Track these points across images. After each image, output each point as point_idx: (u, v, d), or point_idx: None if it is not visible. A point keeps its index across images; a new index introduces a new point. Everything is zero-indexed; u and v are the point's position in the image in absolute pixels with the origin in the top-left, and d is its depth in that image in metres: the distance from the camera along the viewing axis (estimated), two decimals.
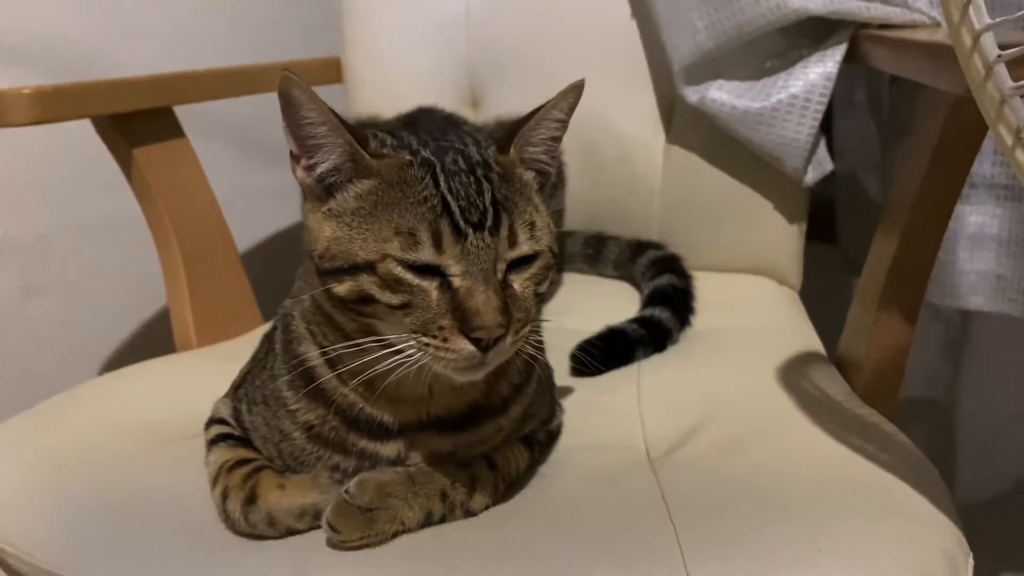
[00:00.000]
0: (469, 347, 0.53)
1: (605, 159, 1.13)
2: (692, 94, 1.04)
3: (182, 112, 1.02)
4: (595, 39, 1.13)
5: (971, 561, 0.58)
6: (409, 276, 0.55)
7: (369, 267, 0.55)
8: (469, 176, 0.56)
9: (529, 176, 0.61)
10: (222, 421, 0.69)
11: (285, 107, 0.57)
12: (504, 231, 0.56)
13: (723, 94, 1.02)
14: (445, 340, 0.54)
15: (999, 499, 1.34)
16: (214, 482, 0.64)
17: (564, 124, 0.61)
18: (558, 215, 1.05)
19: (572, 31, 1.14)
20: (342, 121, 0.56)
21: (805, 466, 0.65)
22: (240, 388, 0.71)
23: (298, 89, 0.55)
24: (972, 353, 1.32)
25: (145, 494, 0.68)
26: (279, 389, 0.64)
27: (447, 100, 1.16)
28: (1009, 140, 0.47)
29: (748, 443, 0.69)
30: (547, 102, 0.60)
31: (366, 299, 0.55)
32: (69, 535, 0.65)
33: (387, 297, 0.55)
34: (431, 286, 0.55)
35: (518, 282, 0.57)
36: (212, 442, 0.67)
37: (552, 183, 0.99)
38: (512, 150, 0.60)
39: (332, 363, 0.61)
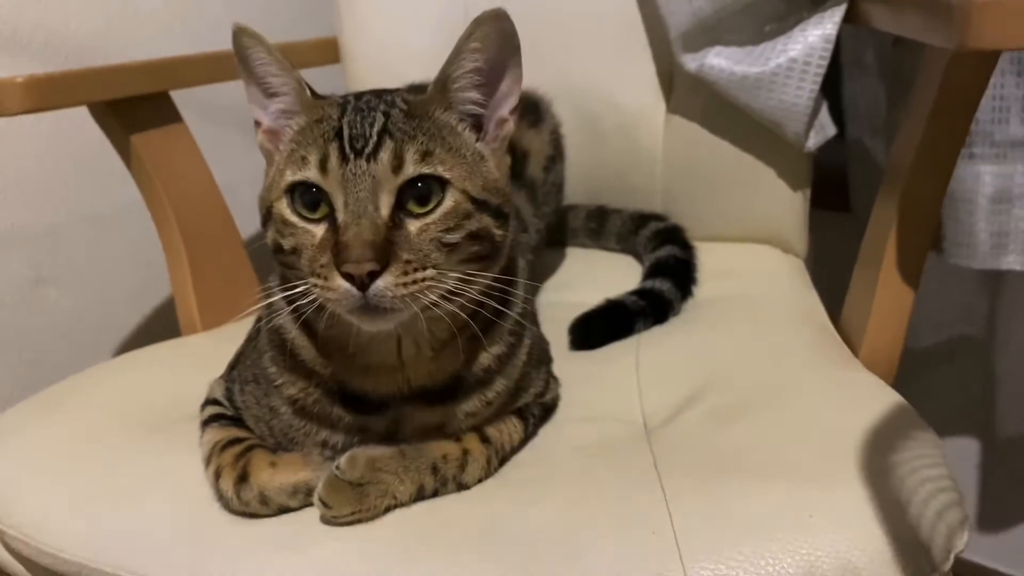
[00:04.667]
0: (344, 284, 0.53)
1: (606, 131, 1.11)
2: (690, 61, 1.02)
3: (185, 96, 1.02)
4: (592, 11, 1.11)
5: (967, 524, 0.57)
6: (295, 219, 0.57)
7: (270, 213, 0.58)
8: (371, 113, 0.57)
9: (448, 116, 0.60)
10: (215, 402, 0.70)
11: (242, 60, 0.60)
12: (386, 156, 0.55)
13: (721, 60, 0.99)
14: (325, 279, 0.54)
15: None
16: (207, 462, 0.64)
17: (482, 55, 0.59)
18: (557, 188, 1.04)
19: (569, 3, 1.12)
20: (290, 66, 0.60)
21: (801, 434, 0.64)
22: (234, 369, 0.71)
23: (249, 38, 0.59)
24: (1007, 287, 1.30)
25: (145, 475, 0.69)
26: (265, 365, 0.65)
27: None
28: None
29: (745, 412, 0.68)
30: (462, 36, 0.59)
31: (278, 247, 0.58)
32: (71, 517, 0.66)
33: (284, 240, 0.57)
34: (317, 229, 0.56)
35: (414, 224, 0.56)
36: (206, 423, 0.68)
37: (549, 155, 1.00)
38: (431, 89, 0.60)
39: (306, 325, 0.62)
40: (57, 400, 0.82)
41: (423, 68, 1.16)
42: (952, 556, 0.55)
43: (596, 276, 1.04)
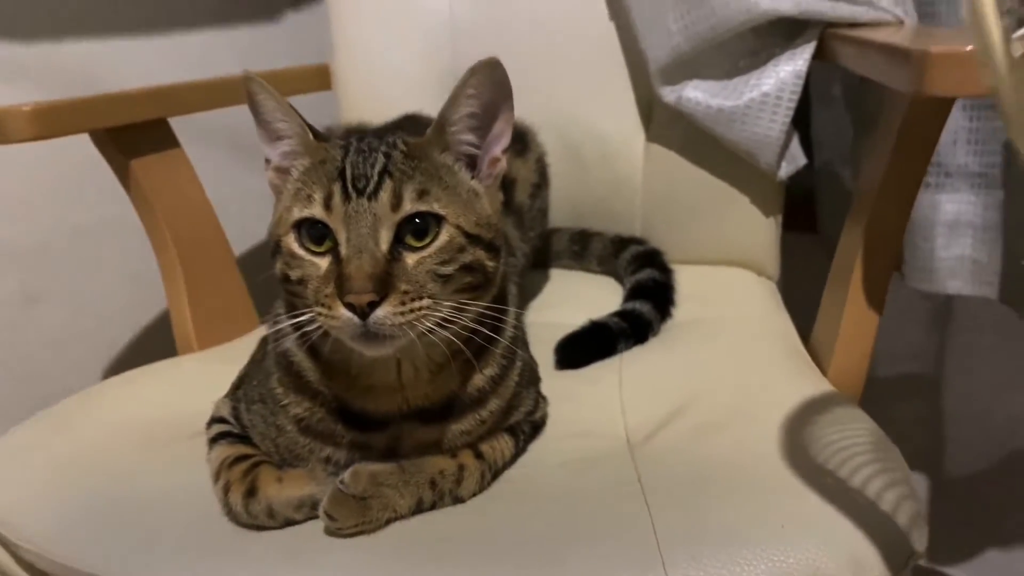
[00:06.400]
0: (346, 313, 0.57)
1: (588, 159, 1.16)
2: (669, 94, 1.08)
3: (178, 120, 1.05)
4: (575, 44, 1.17)
5: (925, 532, 0.62)
6: (302, 252, 0.61)
7: (279, 246, 0.62)
8: (372, 155, 0.62)
9: (445, 157, 0.64)
10: (222, 420, 0.74)
11: (252, 105, 0.65)
12: (386, 196, 0.59)
13: (698, 93, 1.05)
14: (329, 308, 0.58)
15: (985, 468, 1.40)
16: (216, 477, 0.68)
17: (477, 100, 0.63)
18: (542, 214, 1.09)
19: (553, 37, 1.17)
20: (295, 111, 0.64)
21: (774, 448, 0.69)
22: (239, 389, 0.75)
23: (257, 85, 0.63)
24: (956, 331, 1.37)
25: (153, 490, 0.72)
26: (272, 386, 0.68)
27: (434, 105, 1.18)
28: None
29: (722, 428, 0.73)
30: (458, 83, 0.63)
31: (285, 277, 0.62)
32: (84, 530, 0.69)
33: (291, 272, 0.61)
34: (322, 262, 0.60)
35: (411, 258, 0.60)
36: (213, 440, 0.71)
37: (534, 183, 1.04)
38: (429, 132, 0.64)
39: (311, 349, 0.65)
40: (63, 418, 0.85)
41: (411, 93, 1.22)
42: (912, 560, 0.60)
43: (579, 296, 1.09)
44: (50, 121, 0.92)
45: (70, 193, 1.25)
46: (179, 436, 0.79)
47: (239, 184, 1.31)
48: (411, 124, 0.95)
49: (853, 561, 0.57)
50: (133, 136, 1.00)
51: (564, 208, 1.16)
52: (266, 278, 0.66)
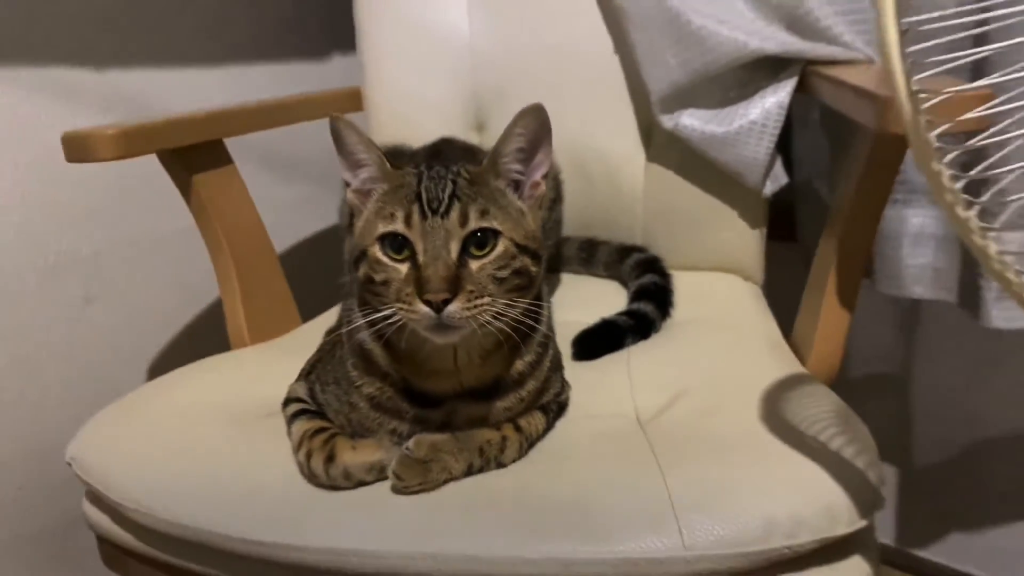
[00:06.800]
0: (424, 308, 0.70)
1: (595, 176, 1.28)
2: (667, 120, 1.21)
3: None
4: (584, 72, 1.28)
5: (882, 494, 0.75)
6: (386, 259, 0.72)
7: (364, 254, 0.74)
8: (442, 181, 0.74)
9: (499, 182, 0.77)
10: (298, 399, 0.86)
11: (336, 140, 0.77)
12: (455, 215, 0.72)
13: (694, 120, 1.17)
14: (410, 304, 0.71)
15: (949, 458, 1.51)
16: (299, 446, 0.79)
17: (524, 137, 0.76)
18: (557, 224, 1.21)
19: (564, 64, 1.29)
20: (374, 144, 0.76)
21: (763, 422, 0.82)
22: (311, 374, 0.88)
23: (343, 123, 0.76)
24: (922, 335, 1.48)
25: (240, 458, 0.84)
26: (348, 370, 0.81)
27: (456, 125, 1.31)
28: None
29: (719, 408, 0.86)
30: (510, 123, 0.76)
31: (369, 279, 0.74)
32: (185, 491, 0.81)
33: (375, 275, 0.73)
34: (403, 267, 0.72)
35: (475, 264, 0.72)
36: (294, 416, 0.84)
37: (551, 198, 1.18)
38: (485, 162, 0.77)
39: (380, 338, 0.78)
40: (145, 401, 0.97)
41: (434, 116, 1.34)
42: (876, 507, 0.73)
43: (588, 298, 1.20)
44: (128, 142, 1.03)
45: (121, 209, 1.35)
46: (253, 415, 0.91)
47: (270, 196, 1.43)
48: (447, 146, 1.08)
49: (827, 509, 0.71)
50: (194, 155, 1.11)
51: (573, 219, 1.27)
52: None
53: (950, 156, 0.53)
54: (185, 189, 1.13)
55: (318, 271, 1.34)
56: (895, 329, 1.51)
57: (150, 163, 1.10)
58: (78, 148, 1.02)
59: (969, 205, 0.53)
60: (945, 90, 0.52)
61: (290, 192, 1.55)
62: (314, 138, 1.54)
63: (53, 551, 1.31)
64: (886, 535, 1.61)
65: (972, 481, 1.50)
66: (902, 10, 0.49)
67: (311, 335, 1.05)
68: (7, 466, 1.25)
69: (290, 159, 1.56)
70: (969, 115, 0.54)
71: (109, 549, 0.91)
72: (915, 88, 0.51)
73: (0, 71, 1.20)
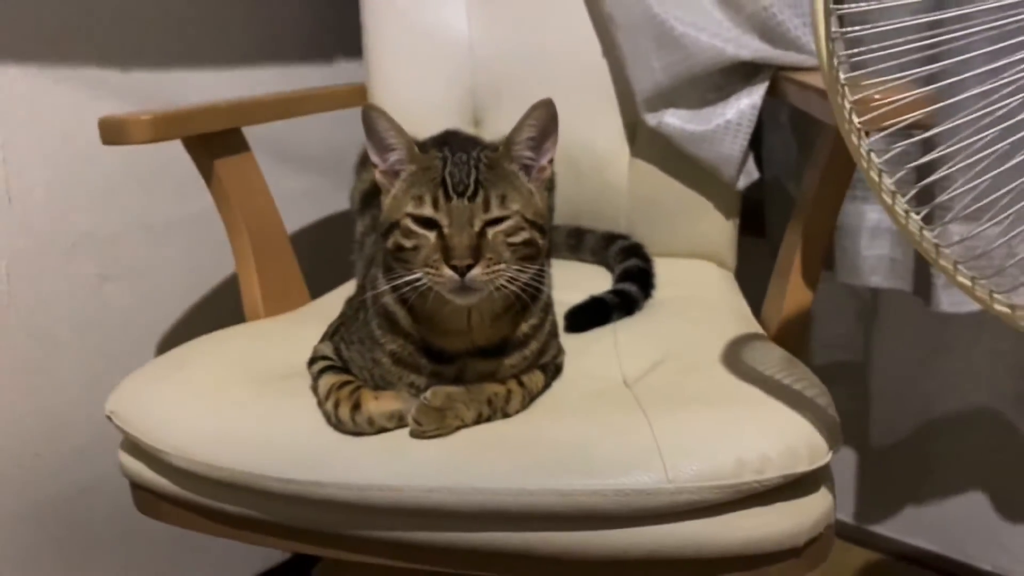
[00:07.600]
0: (450, 272, 0.79)
1: (583, 169, 1.36)
2: (651, 119, 1.32)
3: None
4: (575, 72, 1.37)
5: (838, 428, 0.86)
6: (417, 228, 0.81)
7: (396, 224, 0.83)
8: (465, 166, 0.84)
9: (513, 167, 0.87)
10: (325, 357, 0.96)
11: (367, 125, 0.86)
12: (480, 200, 0.82)
13: (675, 119, 1.28)
14: (437, 269, 0.80)
15: (904, 439, 1.61)
16: (327, 396, 0.89)
17: (536, 128, 0.85)
18: (550, 212, 1.32)
19: (557, 65, 1.38)
20: (403, 130, 0.86)
21: (735, 379, 0.93)
22: (335, 334, 0.98)
23: (376, 111, 0.85)
24: (880, 322, 1.58)
25: (268, 410, 0.93)
26: (372, 330, 0.91)
27: (455, 120, 1.41)
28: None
29: (696, 368, 0.97)
30: (523, 114, 0.86)
31: (399, 247, 0.83)
32: (221, 438, 0.90)
33: (406, 243, 0.83)
34: (431, 235, 0.82)
35: (492, 233, 0.81)
36: (321, 371, 0.93)
37: (547, 186, 1.28)
38: (500, 148, 0.87)
39: (403, 301, 0.88)
40: (178, 361, 1.06)
41: (435, 113, 1.44)
42: (833, 449, 0.84)
43: (576, 281, 1.26)
44: (160, 128, 1.11)
45: (137, 193, 1.42)
46: (275, 375, 1.00)
47: (277, 186, 1.52)
48: (453, 137, 1.18)
49: (790, 450, 0.81)
50: (216, 141, 1.19)
51: (562, 208, 1.35)
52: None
53: (886, 156, 0.63)
54: (207, 173, 1.22)
55: (321, 255, 1.44)
56: (855, 319, 1.63)
57: (164, 151, 1.19)
58: (115, 131, 1.10)
59: (893, 196, 0.64)
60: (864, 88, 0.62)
61: (296, 183, 1.64)
62: (316, 136, 1.65)
63: (69, 516, 1.38)
64: (845, 512, 1.72)
65: (923, 460, 1.59)
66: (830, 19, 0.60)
67: (320, 309, 1.14)
68: (26, 433, 1.32)
69: (295, 154, 1.65)
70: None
71: (143, 495, 1.00)
72: (843, 86, 0.61)
73: (28, 65, 1.27)
